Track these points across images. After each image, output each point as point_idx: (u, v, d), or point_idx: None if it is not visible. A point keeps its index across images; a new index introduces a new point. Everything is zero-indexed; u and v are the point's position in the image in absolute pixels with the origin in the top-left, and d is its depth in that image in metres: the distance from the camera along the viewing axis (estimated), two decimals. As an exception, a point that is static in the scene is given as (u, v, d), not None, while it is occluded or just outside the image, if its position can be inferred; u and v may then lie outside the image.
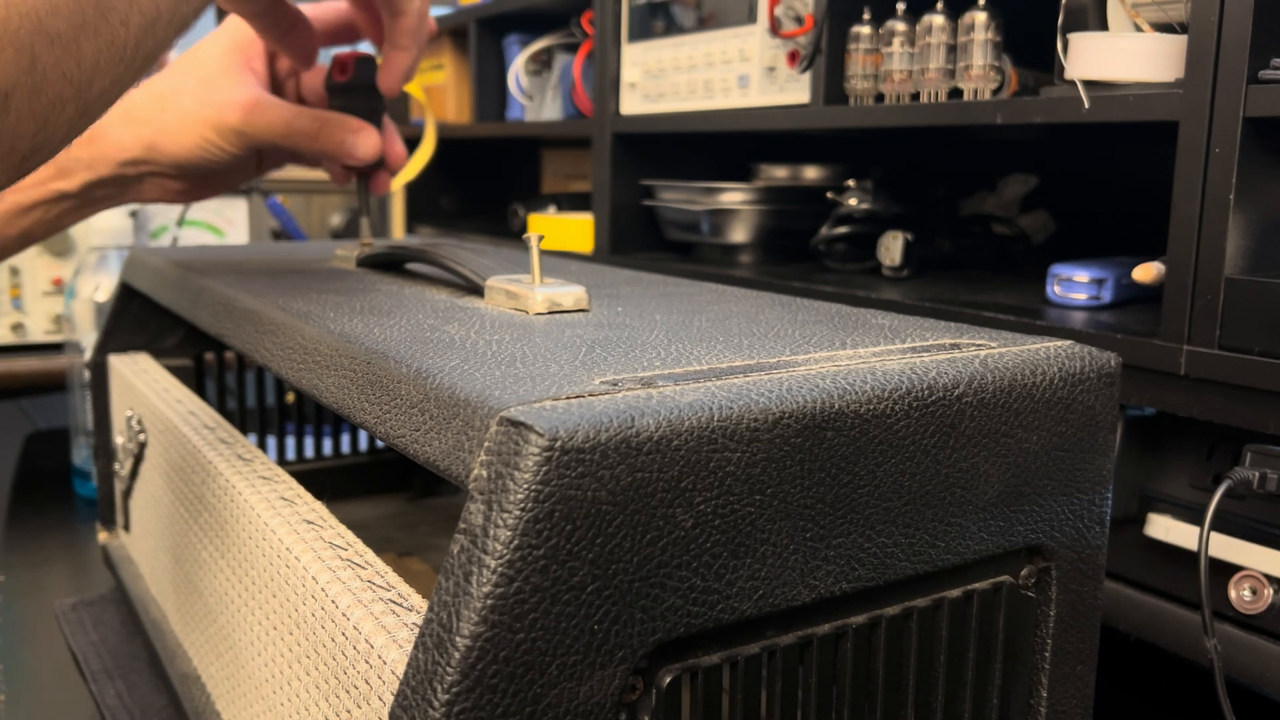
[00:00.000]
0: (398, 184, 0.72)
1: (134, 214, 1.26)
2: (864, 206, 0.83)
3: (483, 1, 1.27)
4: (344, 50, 0.69)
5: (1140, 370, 0.56)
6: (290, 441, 0.85)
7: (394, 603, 0.35)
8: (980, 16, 0.68)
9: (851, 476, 0.34)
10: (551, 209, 1.18)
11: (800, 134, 0.93)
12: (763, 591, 0.33)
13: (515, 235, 1.21)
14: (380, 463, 0.88)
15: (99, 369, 0.75)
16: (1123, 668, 0.67)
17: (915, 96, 0.73)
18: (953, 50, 0.70)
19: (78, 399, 0.99)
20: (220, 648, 0.49)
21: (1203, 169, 0.53)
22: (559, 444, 0.28)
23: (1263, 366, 0.51)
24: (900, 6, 0.74)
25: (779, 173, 0.95)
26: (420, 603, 0.35)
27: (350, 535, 0.41)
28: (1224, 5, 0.51)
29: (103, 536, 0.75)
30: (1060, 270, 0.67)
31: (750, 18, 0.86)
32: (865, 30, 0.75)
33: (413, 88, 0.82)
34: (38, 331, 1.27)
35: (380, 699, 0.32)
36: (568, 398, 0.31)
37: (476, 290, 0.52)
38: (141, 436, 0.62)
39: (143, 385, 0.64)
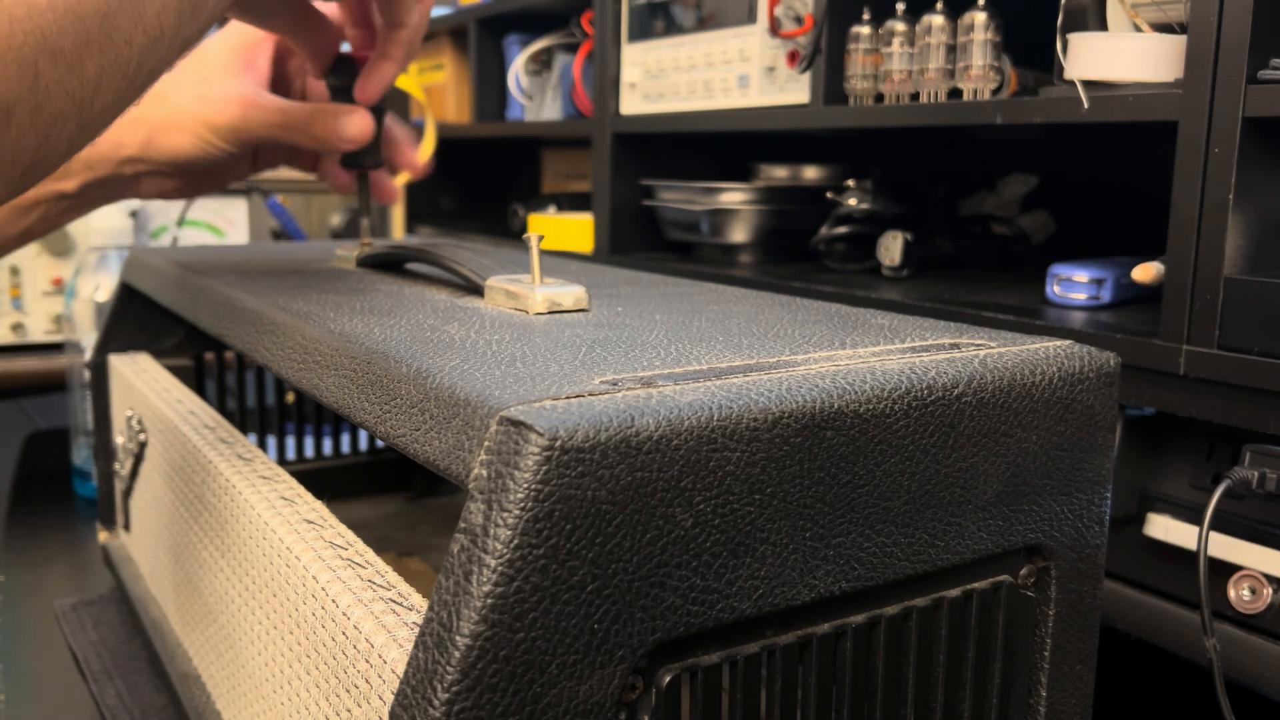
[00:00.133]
0: (397, 184, 0.72)
1: (134, 214, 1.26)
2: (864, 206, 0.83)
3: (483, 1, 1.27)
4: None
5: (1140, 370, 0.56)
6: (290, 441, 0.85)
7: (394, 602, 0.35)
8: (980, 17, 0.69)
9: (851, 476, 0.34)
10: (551, 209, 1.18)
11: (800, 134, 0.93)
12: (762, 591, 0.33)
13: (515, 235, 1.21)
14: (380, 463, 0.89)
15: (99, 369, 0.75)
16: (1122, 667, 0.67)
17: (915, 97, 0.73)
18: (952, 50, 0.70)
19: (78, 399, 0.99)
20: (220, 647, 0.49)
21: (1202, 169, 0.53)
22: (559, 443, 0.28)
23: (1262, 366, 0.51)
24: (900, 6, 0.74)
25: (779, 173, 0.95)
26: (420, 602, 0.35)
27: (350, 535, 0.41)
28: (1223, 5, 0.51)
29: (103, 536, 0.75)
30: (1060, 270, 0.67)
31: (750, 18, 0.86)
32: (865, 30, 0.75)
33: (413, 88, 0.82)
34: (38, 331, 1.27)
35: (380, 698, 0.32)
36: (568, 397, 0.31)
37: (476, 290, 0.52)
38: (141, 436, 0.62)
39: (143, 385, 0.64)
